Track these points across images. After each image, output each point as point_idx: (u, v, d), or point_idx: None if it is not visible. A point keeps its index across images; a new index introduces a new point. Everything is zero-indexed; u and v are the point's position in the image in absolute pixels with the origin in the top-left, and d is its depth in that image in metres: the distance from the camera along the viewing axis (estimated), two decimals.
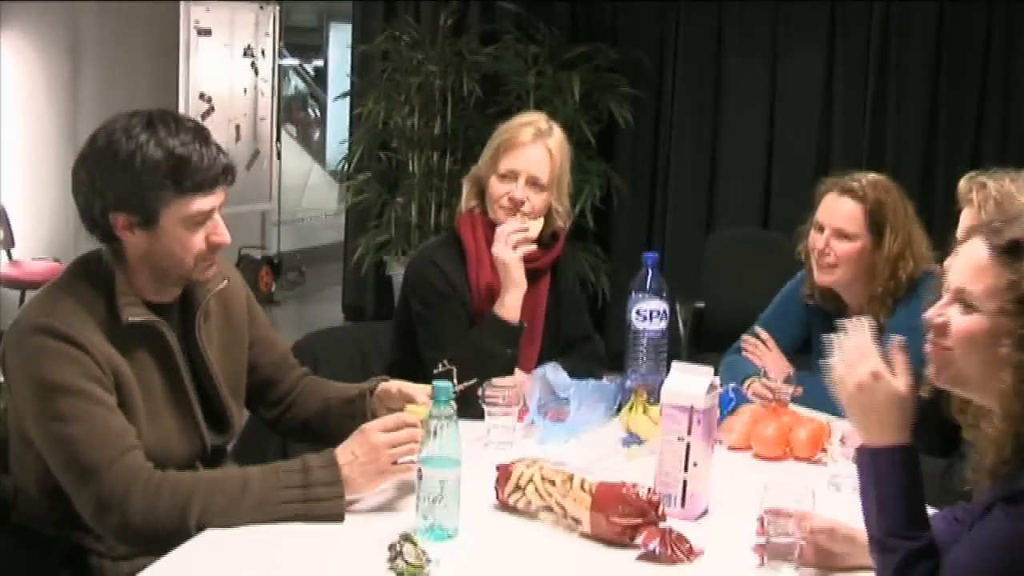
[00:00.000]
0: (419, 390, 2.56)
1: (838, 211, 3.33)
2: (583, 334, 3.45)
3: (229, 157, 2.37)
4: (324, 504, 2.27)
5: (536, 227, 3.18)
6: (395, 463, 2.34)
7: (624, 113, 6.81)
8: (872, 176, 3.37)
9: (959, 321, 1.90)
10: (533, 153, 3.18)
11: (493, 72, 6.80)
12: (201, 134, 2.32)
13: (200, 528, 2.19)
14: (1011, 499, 1.77)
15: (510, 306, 3.11)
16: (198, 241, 2.33)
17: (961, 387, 1.96)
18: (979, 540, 1.80)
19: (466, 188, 3.29)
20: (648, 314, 3.04)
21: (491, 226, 3.20)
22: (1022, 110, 6.83)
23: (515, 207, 3.18)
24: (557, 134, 3.25)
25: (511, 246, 3.11)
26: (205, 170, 2.29)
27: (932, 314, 1.96)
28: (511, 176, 3.17)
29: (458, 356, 2.88)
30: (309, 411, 2.75)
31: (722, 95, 7.05)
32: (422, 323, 3.20)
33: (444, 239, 3.35)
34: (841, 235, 3.30)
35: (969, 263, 1.89)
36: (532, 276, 3.21)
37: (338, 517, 2.27)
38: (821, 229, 3.34)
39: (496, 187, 3.19)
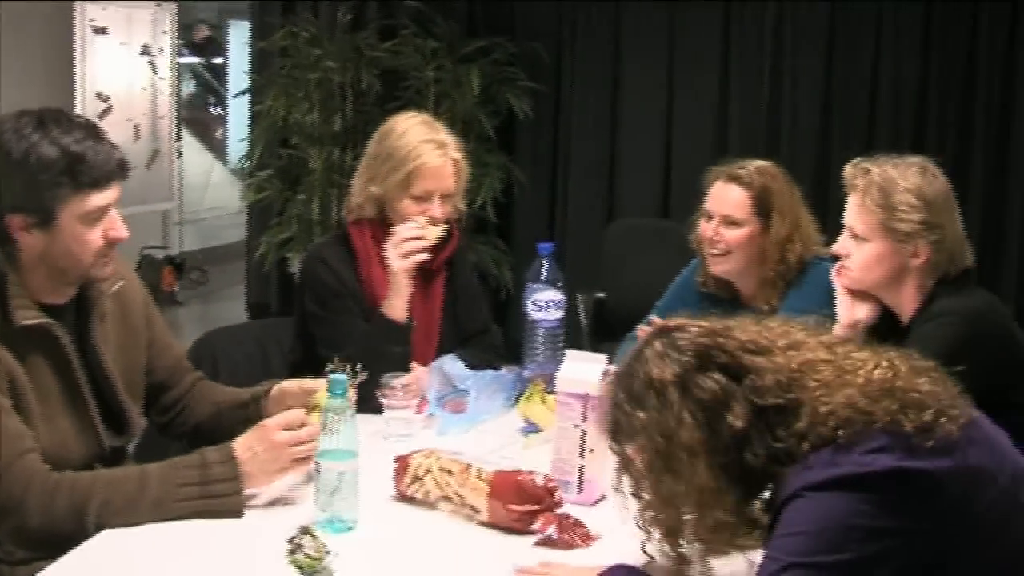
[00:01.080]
0: (321, 383, 2.57)
1: (726, 198, 3.39)
2: (481, 327, 3.47)
3: (123, 153, 2.37)
4: (223, 500, 2.27)
5: (437, 232, 3.18)
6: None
7: (523, 106, 6.83)
8: (759, 163, 3.43)
9: None
10: (444, 171, 3.19)
11: (392, 67, 6.78)
12: (93, 131, 2.32)
13: (99, 528, 2.19)
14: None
15: (397, 307, 3.12)
16: (96, 237, 2.33)
17: None
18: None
19: (360, 199, 3.25)
20: (544, 304, 3.07)
21: (385, 232, 3.19)
22: (912, 97, 6.98)
23: (432, 224, 3.18)
24: (453, 140, 3.27)
25: (404, 253, 3.11)
26: (101, 165, 2.29)
27: None
28: (427, 197, 3.17)
29: (351, 354, 2.91)
30: (200, 416, 2.75)
31: (620, 86, 7.09)
32: (317, 322, 3.22)
33: (335, 238, 3.36)
34: (729, 222, 3.36)
35: None
36: (428, 275, 3.25)
37: (237, 513, 2.28)
38: (710, 217, 3.40)
39: (411, 208, 3.17)
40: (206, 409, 2.75)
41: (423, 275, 3.23)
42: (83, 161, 2.26)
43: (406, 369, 3.00)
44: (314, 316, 3.22)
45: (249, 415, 2.63)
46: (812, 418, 1.81)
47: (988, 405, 2.62)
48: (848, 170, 2.81)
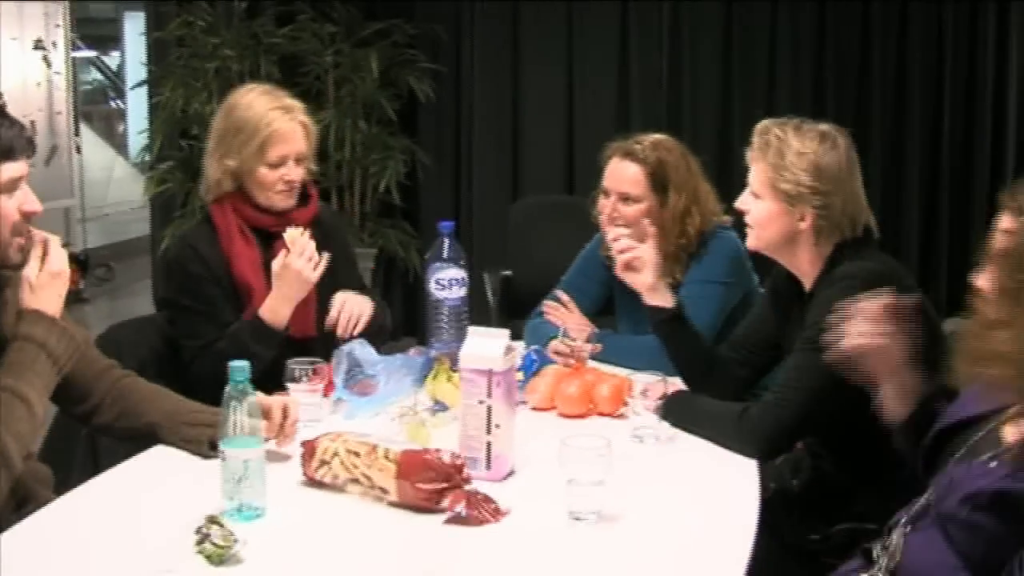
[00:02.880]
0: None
1: (622, 175, 3.42)
2: (358, 286, 3.47)
3: (30, 131, 2.40)
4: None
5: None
6: None
7: (424, 88, 6.81)
8: (654, 136, 3.47)
9: None
10: (295, 134, 3.25)
11: (291, 53, 6.73)
12: (2, 108, 2.35)
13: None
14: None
15: (281, 315, 3.14)
16: (10, 210, 2.33)
17: None
18: None
19: (217, 178, 3.26)
20: (447, 283, 3.07)
21: (246, 202, 3.26)
22: (812, 66, 7.07)
23: (291, 189, 3.25)
24: (298, 104, 3.32)
25: (305, 259, 3.12)
26: (13, 137, 2.32)
27: None
28: (282, 162, 3.22)
29: (219, 347, 2.93)
30: (126, 423, 2.70)
31: (521, 64, 7.09)
32: (174, 309, 3.23)
33: (199, 222, 3.38)
34: (626, 198, 3.40)
35: None
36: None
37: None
38: (607, 194, 3.43)
39: (268, 175, 3.22)
40: (133, 422, 2.68)
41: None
42: None
43: (271, 369, 2.95)
44: (172, 303, 3.25)
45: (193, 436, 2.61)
46: None
47: None
48: (756, 128, 2.85)
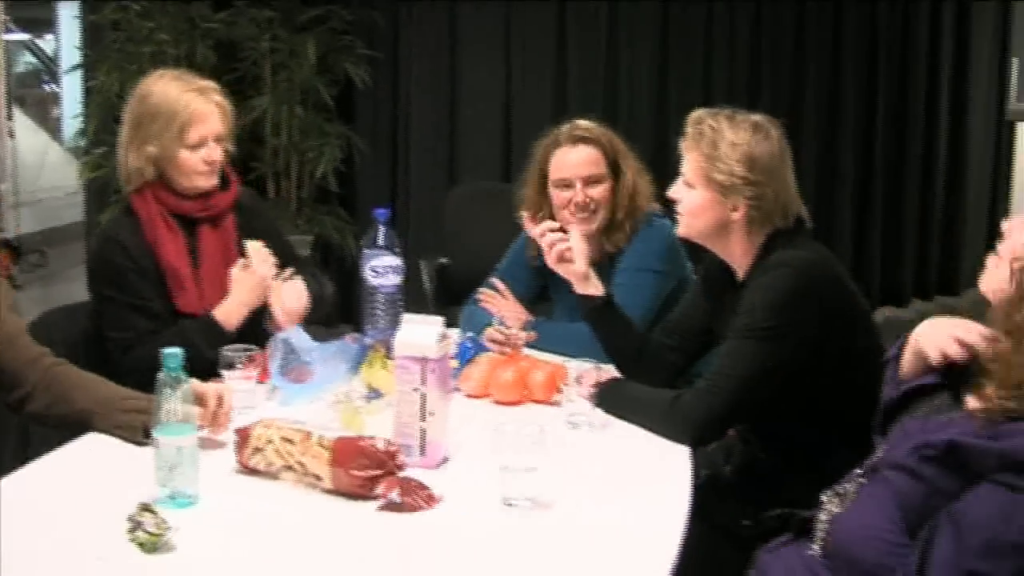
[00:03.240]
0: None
1: (581, 160, 3.44)
2: (292, 260, 3.45)
3: None
4: None
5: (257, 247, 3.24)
6: None
7: (361, 74, 6.79)
8: (585, 121, 3.50)
9: None
10: (213, 115, 3.24)
11: (227, 38, 6.68)
12: None
13: None
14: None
15: (234, 317, 3.16)
16: None
17: None
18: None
19: (138, 166, 3.23)
20: (382, 270, 3.07)
21: (167, 190, 3.24)
22: (748, 56, 7.13)
23: (212, 169, 3.24)
24: (212, 85, 3.31)
25: (268, 265, 3.17)
26: None
27: None
28: (202, 143, 3.21)
29: (162, 341, 2.90)
30: (59, 411, 2.68)
31: (458, 51, 7.09)
32: (102, 303, 3.20)
33: (121, 212, 3.34)
34: (591, 181, 3.42)
35: None
36: (215, 220, 3.31)
37: None
38: (568, 185, 3.43)
39: (190, 158, 3.20)
40: (64, 409, 2.67)
41: (211, 220, 3.29)
42: None
43: (209, 372, 2.94)
44: (100, 297, 3.21)
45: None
46: None
47: (823, 354, 2.71)
48: (689, 118, 2.87)
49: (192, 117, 3.19)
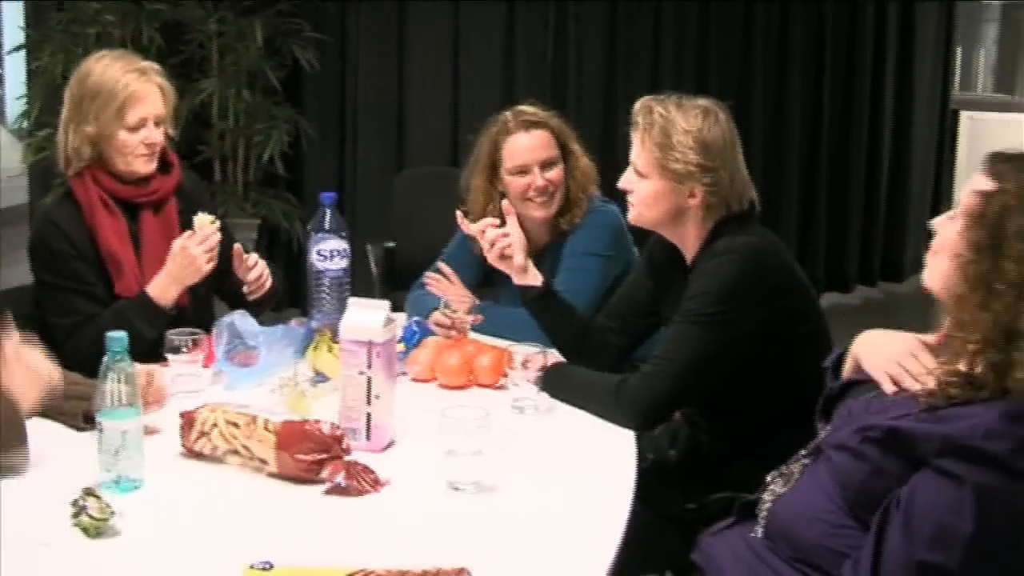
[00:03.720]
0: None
1: (535, 144, 3.46)
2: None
3: None
4: None
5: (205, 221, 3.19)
6: None
7: (309, 57, 6.75)
8: (527, 106, 3.51)
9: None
10: (153, 95, 3.22)
11: (174, 20, 6.62)
12: None
13: None
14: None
15: (170, 295, 3.14)
16: None
17: None
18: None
19: (76, 146, 3.20)
20: (329, 254, 3.06)
21: (107, 173, 3.22)
22: (696, 41, 7.16)
23: (152, 152, 3.22)
24: (153, 66, 3.29)
25: (204, 248, 3.12)
26: None
27: None
28: (141, 124, 3.19)
29: (101, 323, 2.92)
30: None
31: (406, 35, 7.06)
32: (43, 288, 3.18)
33: (60, 196, 3.33)
34: (547, 164, 3.44)
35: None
36: (156, 205, 3.29)
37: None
38: (525, 171, 3.44)
39: (129, 139, 3.18)
40: None
41: (154, 205, 3.28)
42: None
43: (153, 352, 2.90)
44: (43, 283, 3.19)
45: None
46: None
47: (770, 339, 2.73)
48: (636, 107, 2.87)
49: (131, 97, 3.17)
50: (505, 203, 3.20)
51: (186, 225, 3.24)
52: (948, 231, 2.07)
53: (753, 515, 2.26)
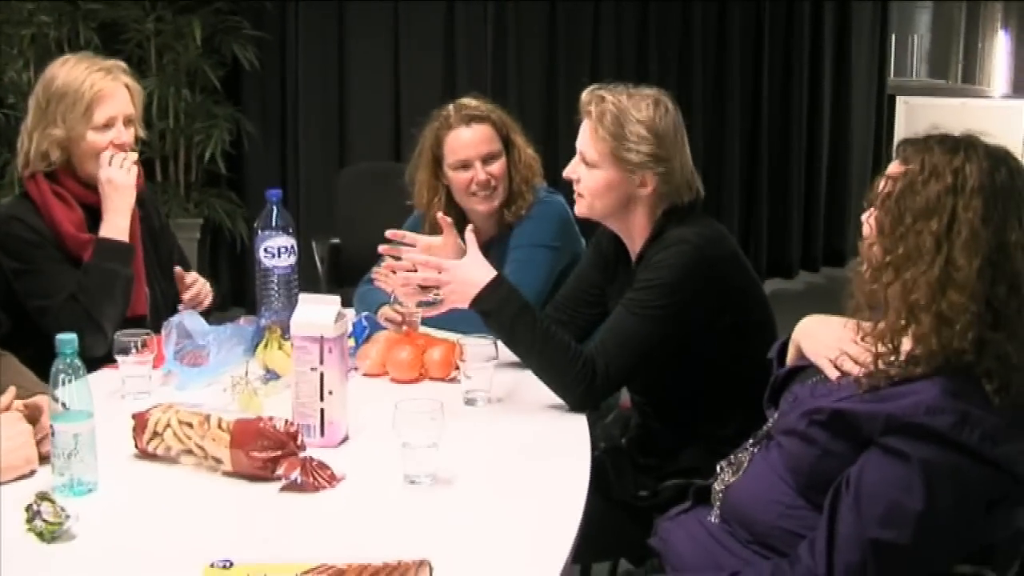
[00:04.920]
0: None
1: (476, 138, 3.46)
2: (179, 261, 3.46)
3: None
4: None
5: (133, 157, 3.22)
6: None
7: (248, 55, 6.72)
8: (471, 100, 3.52)
9: None
10: (120, 94, 3.20)
11: (110, 20, 6.57)
12: None
13: None
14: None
15: (120, 228, 3.14)
16: None
17: None
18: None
19: (43, 150, 3.17)
20: (276, 251, 3.05)
21: (73, 180, 3.20)
22: (635, 28, 7.19)
23: (122, 151, 3.19)
24: (120, 65, 3.27)
25: (125, 169, 3.13)
26: None
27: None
28: (110, 124, 3.17)
29: (79, 288, 2.97)
30: None
31: (346, 32, 7.05)
32: (23, 277, 3.13)
33: (17, 198, 3.30)
34: (489, 158, 3.44)
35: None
36: None
37: None
38: (467, 166, 3.44)
39: (97, 141, 3.16)
40: None
41: None
42: None
43: (131, 294, 2.99)
44: (19, 272, 3.13)
45: None
46: None
47: (719, 327, 2.75)
48: (584, 96, 2.86)
49: (98, 96, 3.14)
50: (439, 216, 3.16)
51: (148, 234, 3.26)
52: (866, 220, 2.12)
53: (708, 500, 2.29)
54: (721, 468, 2.29)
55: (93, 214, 3.19)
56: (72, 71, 3.17)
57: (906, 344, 1.96)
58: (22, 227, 3.13)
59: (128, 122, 3.21)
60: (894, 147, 2.11)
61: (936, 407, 1.86)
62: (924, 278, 1.91)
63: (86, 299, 2.98)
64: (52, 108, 3.15)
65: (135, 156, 3.18)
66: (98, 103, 3.14)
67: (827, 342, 2.17)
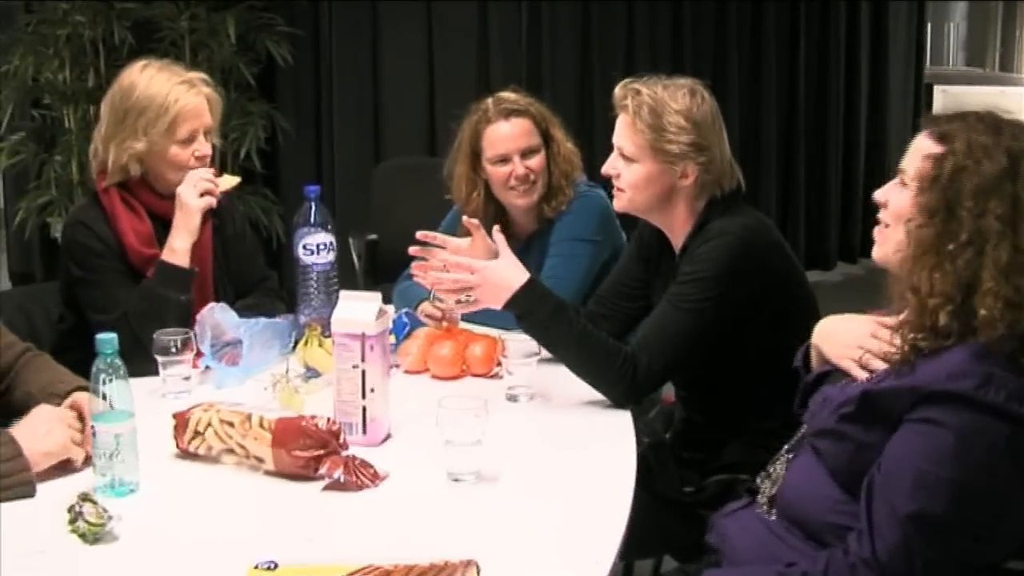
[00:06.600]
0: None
1: (515, 132, 3.43)
2: (259, 277, 3.42)
3: None
4: (11, 479, 2.18)
5: (231, 182, 3.19)
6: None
7: (283, 52, 6.70)
8: (510, 93, 3.49)
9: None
10: (203, 107, 3.16)
11: (144, 19, 6.58)
12: None
13: None
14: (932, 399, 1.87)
15: (180, 251, 3.07)
16: None
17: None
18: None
19: (122, 163, 3.12)
20: (315, 247, 3.04)
21: (149, 191, 3.16)
22: (670, 22, 7.16)
23: (203, 163, 3.16)
24: (198, 75, 3.23)
25: (198, 192, 3.08)
26: None
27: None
28: (192, 138, 3.13)
29: (131, 309, 2.87)
30: (11, 397, 2.58)
31: (379, 26, 7.03)
32: (83, 286, 3.10)
33: (89, 201, 3.23)
34: (528, 152, 3.41)
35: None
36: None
37: (28, 492, 2.19)
38: (506, 160, 3.41)
39: (180, 154, 3.11)
40: (21, 394, 2.57)
41: None
42: None
43: (188, 318, 2.93)
44: (80, 281, 3.11)
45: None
46: None
47: (764, 319, 2.72)
48: (618, 91, 2.83)
49: (182, 112, 3.09)
50: (465, 219, 3.14)
51: (220, 245, 3.25)
52: (899, 200, 2.07)
53: (756, 496, 2.26)
54: (760, 480, 2.26)
55: (167, 226, 3.13)
56: (153, 83, 3.11)
57: (942, 319, 1.92)
58: (88, 234, 3.10)
59: (208, 132, 3.17)
60: (924, 124, 2.09)
61: (958, 372, 1.85)
62: (990, 260, 1.88)
63: (136, 323, 2.92)
64: (132, 120, 3.09)
65: (209, 173, 3.12)
66: (183, 119, 3.09)
67: (847, 342, 2.15)
